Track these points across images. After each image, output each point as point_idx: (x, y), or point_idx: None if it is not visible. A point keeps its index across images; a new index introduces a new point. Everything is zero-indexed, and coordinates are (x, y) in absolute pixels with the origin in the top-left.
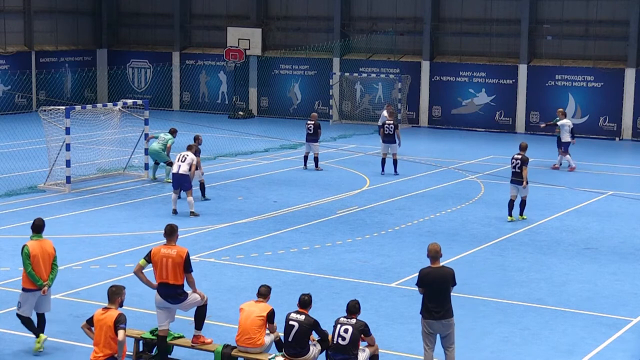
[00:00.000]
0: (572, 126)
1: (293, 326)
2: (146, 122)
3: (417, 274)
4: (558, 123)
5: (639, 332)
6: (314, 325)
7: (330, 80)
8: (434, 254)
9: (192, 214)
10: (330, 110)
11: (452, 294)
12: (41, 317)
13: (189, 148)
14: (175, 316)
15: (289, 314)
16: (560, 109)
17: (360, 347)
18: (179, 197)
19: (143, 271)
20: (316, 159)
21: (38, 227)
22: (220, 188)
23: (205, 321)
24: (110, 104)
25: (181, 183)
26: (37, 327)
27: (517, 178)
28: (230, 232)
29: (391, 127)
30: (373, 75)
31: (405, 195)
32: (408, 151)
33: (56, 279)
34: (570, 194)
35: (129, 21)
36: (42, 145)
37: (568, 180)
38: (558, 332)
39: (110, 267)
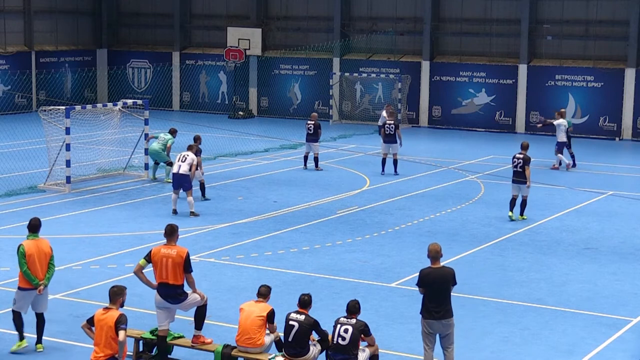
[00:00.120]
0: (567, 126)
1: (293, 326)
2: (146, 122)
3: (418, 274)
4: (554, 123)
5: (639, 332)
6: (314, 325)
7: (330, 80)
8: (435, 254)
9: (192, 214)
10: (330, 110)
11: (452, 294)
12: (40, 317)
13: (190, 148)
14: (175, 316)
15: (289, 314)
16: (563, 109)
17: (360, 347)
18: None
19: (143, 271)
20: (316, 159)
21: (34, 227)
22: (220, 188)
23: (205, 321)
24: (110, 104)
25: (181, 183)
26: (36, 328)
27: (519, 178)
28: (230, 232)
29: (392, 127)
30: (373, 75)
31: (405, 195)
32: (408, 151)
33: (56, 279)
34: (570, 194)
35: (129, 21)
36: (42, 145)
37: (568, 180)
38: (558, 332)
39: (110, 267)
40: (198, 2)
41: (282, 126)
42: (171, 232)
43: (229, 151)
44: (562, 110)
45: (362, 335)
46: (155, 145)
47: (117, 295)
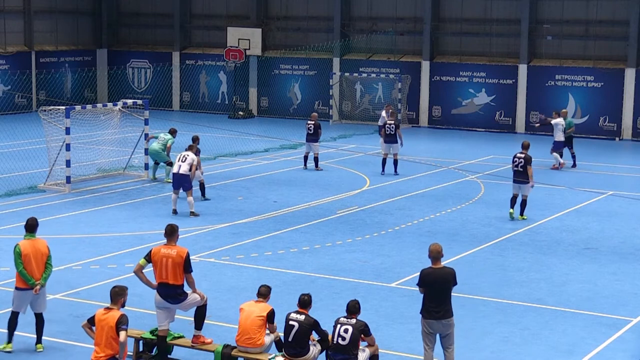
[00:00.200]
0: (564, 126)
1: (293, 326)
2: (146, 122)
3: (418, 274)
4: (552, 122)
5: (639, 332)
6: (314, 325)
7: (330, 80)
8: (436, 255)
9: (192, 214)
10: (330, 110)
11: (452, 294)
12: (39, 317)
13: (190, 148)
14: (175, 316)
15: (289, 314)
16: (564, 110)
17: (360, 347)
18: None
19: (143, 271)
20: (316, 159)
21: (31, 227)
22: (220, 188)
23: (205, 321)
24: (110, 104)
25: (181, 183)
26: (35, 328)
27: (519, 177)
28: (230, 232)
29: (392, 127)
30: (373, 75)
31: (405, 195)
32: (408, 151)
33: (56, 279)
34: (570, 194)
35: (129, 21)
36: (42, 145)
37: (568, 180)
38: (558, 332)
39: (110, 267)
40: (198, 2)
41: (282, 126)
42: (171, 232)
43: (229, 151)
44: (564, 110)
45: (362, 335)
46: (155, 145)
47: (118, 295)
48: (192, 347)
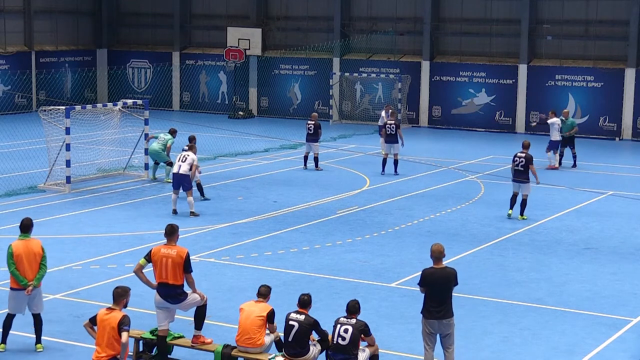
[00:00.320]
0: (560, 125)
1: (293, 326)
2: (146, 122)
3: (419, 273)
4: (548, 122)
5: (639, 332)
6: (314, 325)
7: (330, 80)
8: (438, 255)
9: (192, 214)
10: (330, 110)
11: (452, 294)
12: (37, 318)
13: (190, 148)
14: (175, 316)
15: (289, 314)
16: (566, 110)
17: (360, 347)
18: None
19: (143, 271)
20: (316, 159)
21: (26, 227)
22: (220, 188)
23: (205, 321)
24: (110, 104)
25: (181, 183)
26: (34, 329)
27: (520, 177)
28: (230, 232)
29: (393, 127)
30: (373, 75)
31: (405, 195)
32: (408, 151)
33: (56, 279)
34: (570, 194)
35: (129, 21)
36: (42, 145)
37: (568, 180)
38: (558, 332)
39: (110, 267)
40: (198, 2)
41: (282, 126)
42: (171, 232)
43: (229, 151)
44: (565, 110)
45: (362, 335)
46: (155, 145)
47: (121, 296)
48: (192, 347)
